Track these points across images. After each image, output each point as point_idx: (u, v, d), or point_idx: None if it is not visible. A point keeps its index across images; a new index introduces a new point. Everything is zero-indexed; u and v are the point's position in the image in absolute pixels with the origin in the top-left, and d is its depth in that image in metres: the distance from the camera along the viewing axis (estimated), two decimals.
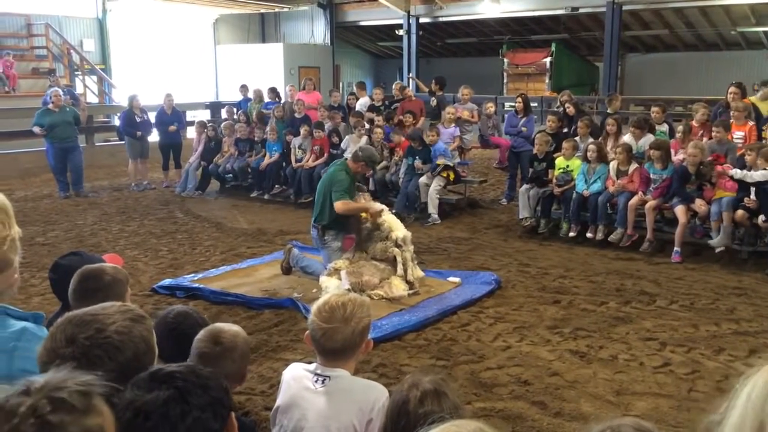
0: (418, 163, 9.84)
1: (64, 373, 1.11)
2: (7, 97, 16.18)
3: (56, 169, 11.62)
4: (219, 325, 2.62)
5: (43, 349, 1.56)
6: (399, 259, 6.45)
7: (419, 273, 6.67)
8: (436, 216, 9.55)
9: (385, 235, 6.63)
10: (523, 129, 10.51)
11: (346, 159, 7.19)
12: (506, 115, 11.61)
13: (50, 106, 11.47)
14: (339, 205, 6.59)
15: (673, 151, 8.13)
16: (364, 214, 6.73)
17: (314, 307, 2.34)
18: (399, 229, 6.68)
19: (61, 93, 12.11)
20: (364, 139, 10.36)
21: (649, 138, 8.49)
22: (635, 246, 7.89)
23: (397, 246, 6.54)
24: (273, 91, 13.89)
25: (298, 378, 2.35)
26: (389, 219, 6.73)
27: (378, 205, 6.77)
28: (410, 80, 18.34)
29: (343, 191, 6.64)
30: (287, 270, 6.99)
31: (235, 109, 13.63)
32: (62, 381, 1.07)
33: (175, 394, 1.39)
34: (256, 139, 11.81)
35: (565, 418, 4.09)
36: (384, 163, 10.33)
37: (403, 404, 1.84)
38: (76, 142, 11.84)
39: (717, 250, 7.30)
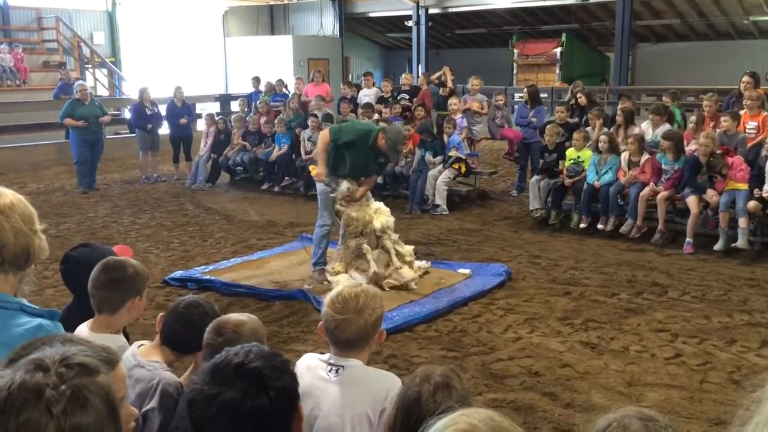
0: (428, 156, 9.82)
1: (56, 348, 1.16)
2: (19, 91, 16.25)
3: (81, 161, 11.52)
4: (227, 316, 2.65)
5: None
6: (369, 256, 6.35)
7: (408, 248, 6.65)
8: (444, 207, 9.54)
9: (359, 231, 6.47)
10: (533, 120, 10.48)
11: (384, 128, 6.62)
12: (516, 106, 11.56)
13: (77, 95, 11.47)
14: (322, 133, 6.43)
15: (685, 142, 8.08)
16: (312, 167, 6.48)
17: (327, 298, 2.36)
18: (378, 218, 6.52)
19: (87, 86, 12.14)
20: None
21: (666, 128, 8.44)
22: (647, 237, 7.85)
23: (377, 237, 6.50)
24: (269, 85, 13.91)
25: (311, 368, 2.36)
26: (360, 215, 6.45)
27: (323, 177, 6.34)
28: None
29: (338, 131, 6.31)
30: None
31: (248, 101, 13.67)
32: (67, 351, 1.14)
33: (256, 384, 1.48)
34: (264, 132, 11.82)
35: (576, 409, 4.10)
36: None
37: (415, 400, 1.84)
38: (101, 135, 11.90)
39: (733, 245, 7.22)
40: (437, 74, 12.08)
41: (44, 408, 1.03)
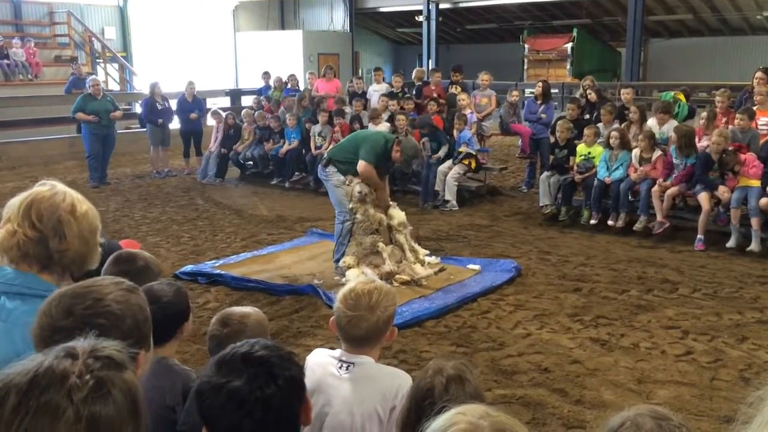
0: (426, 142, 9.76)
1: (89, 340, 1.18)
2: (30, 85, 16.34)
3: (93, 155, 11.56)
4: (232, 308, 2.68)
5: (38, 326, 1.53)
6: (385, 255, 6.37)
7: (423, 251, 6.75)
8: (454, 202, 9.53)
9: (375, 228, 6.50)
10: (543, 116, 10.43)
11: (400, 140, 6.76)
12: (525, 102, 11.51)
13: (90, 90, 11.53)
14: (363, 165, 6.37)
15: (696, 138, 8.02)
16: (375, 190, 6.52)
17: (340, 294, 2.36)
18: (395, 214, 6.65)
19: (100, 81, 12.19)
20: (386, 124, 10.33)
21: (673, 124, 8.38)
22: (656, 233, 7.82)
23: (397, 230, 6.54)
24: (278, 81, 13.94)
25: (322, 364, 2.37)
26: (378, 212, 6.57)
27: (389, 201, 6.68)
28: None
29: (373, 154, 6.40)
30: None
31: (262, 98, 13.71)
32: (97, 343, 1.16)
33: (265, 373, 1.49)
34: (272, 127, 11.82)
35: (586, 405, 4.09)
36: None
37: (428, 391, 1.85)
38: (113, 130, 11.96)
39: (747, 249, 7.16)
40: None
41: (66, 394, 1.05)
